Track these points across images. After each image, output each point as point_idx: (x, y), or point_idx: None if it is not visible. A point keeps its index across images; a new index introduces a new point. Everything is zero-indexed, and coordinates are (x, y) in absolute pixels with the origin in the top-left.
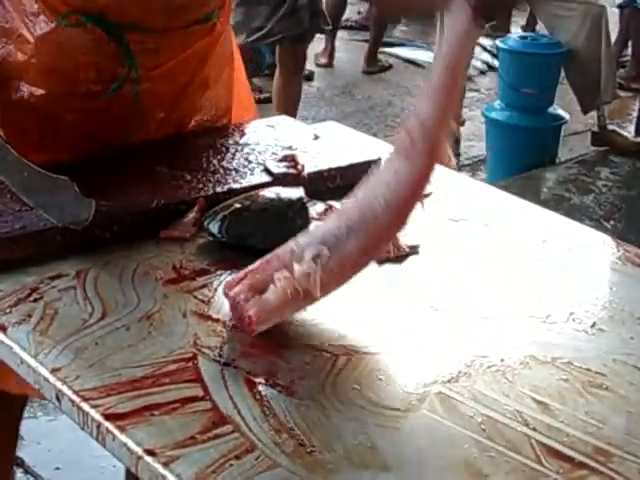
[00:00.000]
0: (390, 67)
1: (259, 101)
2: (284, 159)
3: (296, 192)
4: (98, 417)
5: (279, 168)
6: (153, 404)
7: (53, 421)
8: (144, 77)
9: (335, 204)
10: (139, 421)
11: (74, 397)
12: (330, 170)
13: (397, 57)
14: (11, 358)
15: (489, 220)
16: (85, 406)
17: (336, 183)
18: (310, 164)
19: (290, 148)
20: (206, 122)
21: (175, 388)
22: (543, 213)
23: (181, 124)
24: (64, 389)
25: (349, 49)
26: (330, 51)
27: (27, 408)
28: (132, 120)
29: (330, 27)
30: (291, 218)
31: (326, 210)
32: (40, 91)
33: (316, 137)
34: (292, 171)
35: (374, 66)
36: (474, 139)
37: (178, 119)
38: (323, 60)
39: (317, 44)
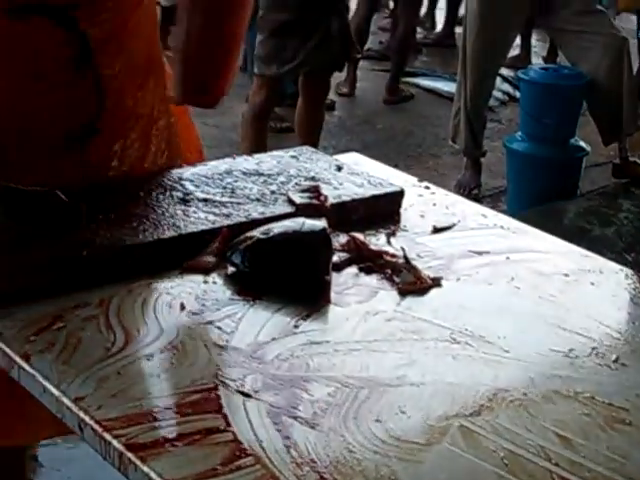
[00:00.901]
0: (411, 97)
1: (280, 130)
2: (307, 190)
3: (319, 223)
4: (120, 447)
5: (302, 199)
6: (175, 435)
7: (73, 448)
8: (102, 54)
9: (358, 235)
10: (161, 452)
11: (96, 427)
12: (353, 201)
13: (418, 87)
14: (34, 387)
15: (511, 252)
16: (107, 436)
17: (359, 214)
18: (333, 195)
19: (313, 179)
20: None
21: (197, 419)
22: (565, 246)
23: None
24: (86, 418)
25: (370, 79)
26: (352, 80)
27: None
28: (95, 102)
29: (360, 55)
30: (314, 249)
31: (349, 241)
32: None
33: (339, 168)
34: (315, 202)
35: (395, 96)
36: (495, 170)
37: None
38: (345, 89)
39: (338, 73)
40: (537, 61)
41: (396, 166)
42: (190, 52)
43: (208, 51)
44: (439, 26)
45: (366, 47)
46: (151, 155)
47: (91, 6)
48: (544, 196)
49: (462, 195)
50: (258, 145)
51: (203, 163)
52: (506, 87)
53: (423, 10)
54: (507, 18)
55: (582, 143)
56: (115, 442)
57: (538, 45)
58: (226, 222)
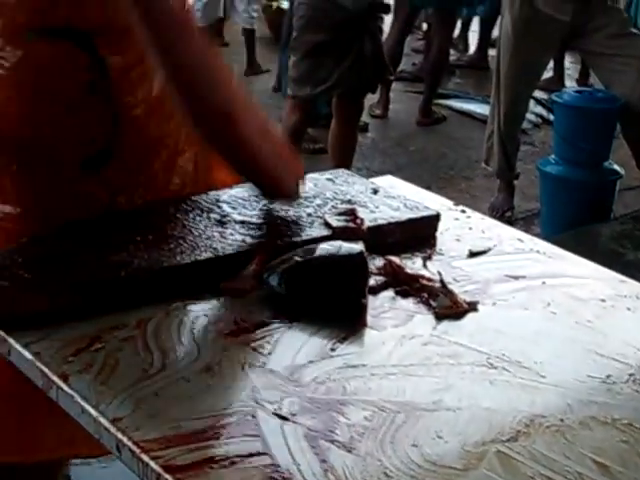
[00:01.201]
0: (444, 119)
1: (314, 151)
2: (344, 213)
3: (356, 246)
4: (158, 469)
5: (339, 222)
6: (212, 457)
7: (106, 468)
8: (121, 81)
9: (394, 259)
10: (198, 474)
11: (134, 448)
12: (389, 225)
13: (451, 109)
14: (72, 407)
15: (547, 277)
16: (145, 457)
17: (395, 238)
18: (369, 218)
19: (349, 202)
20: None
21: (235, 442)
22: (601, 271)
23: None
24: (124, 439)
25: (403, 100)
26: (385, 102)
27: None
28: (110, 128)
29: (393, 77)
30: (351, 272)
31: (385, 265)
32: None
33: (375, 191)
34: (351, 225)
35: (428, 118)
36: (528, 193)
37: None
38: (378, 111)
39: (371, 95)
40: (570, 83)
41: (429, 188)
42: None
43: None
44: (472, 48)
45: (399, 69)
46: (174, 186)
47: (111, 34)
48: (578, 219)
49: (495, 218)
50: None
51: (240, 185)
52: (539, 110)
53: (456, 32)
54: (541, 42)
55: (616, 166)
56: (153, 463)
57: (571, 67)
58: (263, 244)
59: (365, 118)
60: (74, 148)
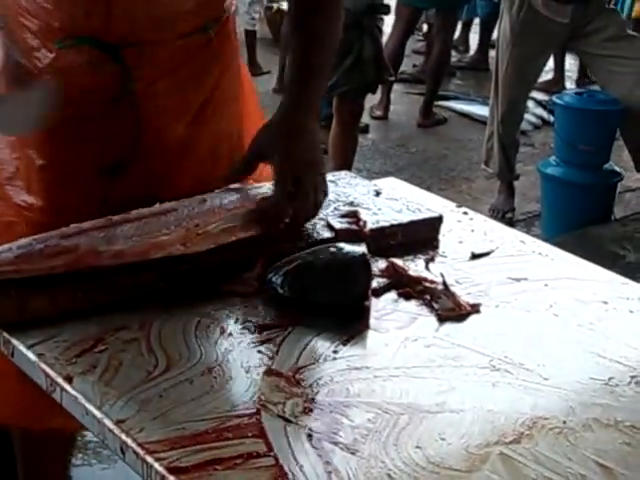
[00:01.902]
0: (445, 120)
1: None
2: (346, 215)
3: (359, 248)
4: (162, 470)
5: (341, 224)
6: (216, 459)
7: (107, 469)
8: (147, 91)
9: (397, 261)
10: (202, 475)
11: (138, 449)
12: (392, 227)
13: (452, 110)
14: (76, 409)
15: (550, 280)
16: (149, 459)
17: (397, 240)
18: (372, 220)
19: (352, 204)
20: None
21: (238, 443)
22: (603, 273)
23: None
24: (128, 441)
25: (404, 102)
26: (385, 104)
27: (81, 455)
28: (131, 137)
29: (393, 78)
30: (354, 274)
31: (388, 267)
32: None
33: (377, 193)
34: (354, 227)
35: (429, 119)
36: (528, 194)
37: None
38: (378, 112)
39: (372, 96)
40: (569, 85)
41: (429, 189)
42: None
43: None
44: (473, 49)
45: (400, 70)
46: (188, 187)
47: (139, 47)
48: (578, 221)
49: (495, 219)
50: None
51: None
52: (540, 111)
53: (457, 33)
54: (539, 43)
55: (616, 168)
56: (157, 465)
57: (571, 68)
58: (265, 246)
59: (366, 119)
60: (96, 152)
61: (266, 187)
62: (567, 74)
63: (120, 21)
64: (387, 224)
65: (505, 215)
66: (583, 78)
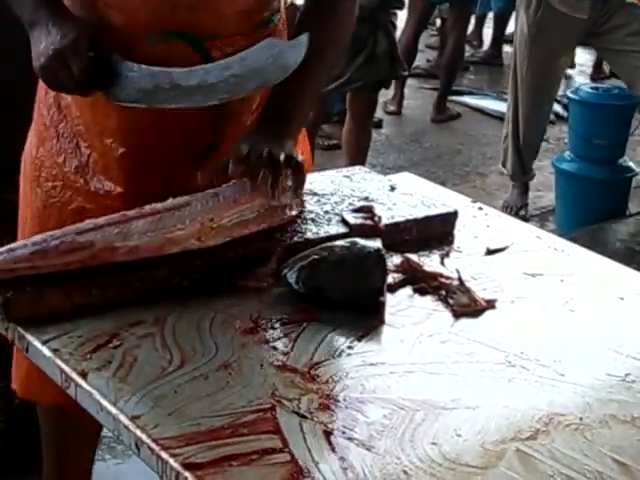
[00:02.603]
0: (459, 115)
1: (328, 147)
2: (361, 210)
3: (373, 243)
4: (177, 466)
5: (356, 219)
6: (232, 454)
7: (121, 464)
8: None
9: (412, 256)
10: (217, 471)
11: (153, 445)
12: (406, 222)
13: (466, 105)
14: (91, 404)
15: (565, 275)
16: (164, 455)
17: (412, 235)
18: (387, 216)
19: (367, 199)
20: None
21: (254, 439)
22: (620, 268)
23: None
24: (143, 437)
25: (418, 97)
26: (399, 99)
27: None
28: (215, 127)
29: (407, 73)
30: (369, 270)
31: (403, 262)
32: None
33: (392, 188)
34: (369, 222)
35: (443, 114)
36: (543, 189)
37: None
38: (392, 108)
39: (386, 91)
40: (584, 79)
41: (443, 184)
42: None
43: None
44: (486, 44)
45: (414, 65)
46: None
47: (222, 38)
48: (593, 216)
49: (509, 215)
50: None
51: None
52: (554, 106)
53: (470, 28)
54: (557, 41)
55: (631, 163)
56: (172, 461)
57: (586, 63)
58: (280, 242)
59: (379, 114)
60: (180, 140)
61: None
62: (581, 68)
63: (205, 14)
64: (402, 219)
65: (519, 211)
66: (598, 72)
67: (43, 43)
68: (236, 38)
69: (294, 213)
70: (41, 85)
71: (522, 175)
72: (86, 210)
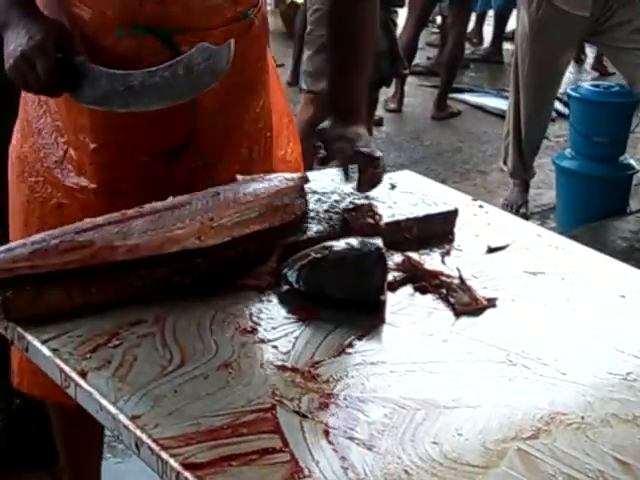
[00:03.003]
0: (459, 113)
1: None
2: (361, 209)
3: (374, 242)
4: (177, 466)
5: (356, 218)
6: (232, 454)
7: (121, 463)
8: None
9: (412, 255)
10: (217, 471)
11: (153, 445)
12: (407, 220)
13: (466, 103)
14: (90, 404)
15: (566, 273)
16: (164, 455)
17: (413, 233)
18: (387, 214)
19: (367, 197)
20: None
21: (254, 439)
22: (621, 267)
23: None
24: (143, 437)
25: (418, 94)
26: (399, 96)
27: None
28: (189, 122)
29: (408, 71)
30: (369, 268)
31: (403, 261)
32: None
33: (392, 187)
34: (369, 221)
35: (443, 112)
36: (543, 187)
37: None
38: (392, 105)
39: (386, 89)
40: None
41: (443, 182)
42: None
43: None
44: (487, 42)
45: (414, 63)
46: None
47: (192, 32)
48: (593, 214)
49: (510, 212)
50: (307, 161)
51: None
52: (555, 104)
53: (471, 26)
54: (559, 39)
55: (632, 161)
56: (172, 461)
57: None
58: (280, 240)
59: (380, 112)
60: (151, 136)
61: (276, 179)
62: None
63: (174, 8)
64: (403, 218)
65: (519, 209)
66: (599, 64)
67: (12, 45)
68: (207, 32)
69: (298, 213)
70: None
71: (523, 172)
72: (64, 206)
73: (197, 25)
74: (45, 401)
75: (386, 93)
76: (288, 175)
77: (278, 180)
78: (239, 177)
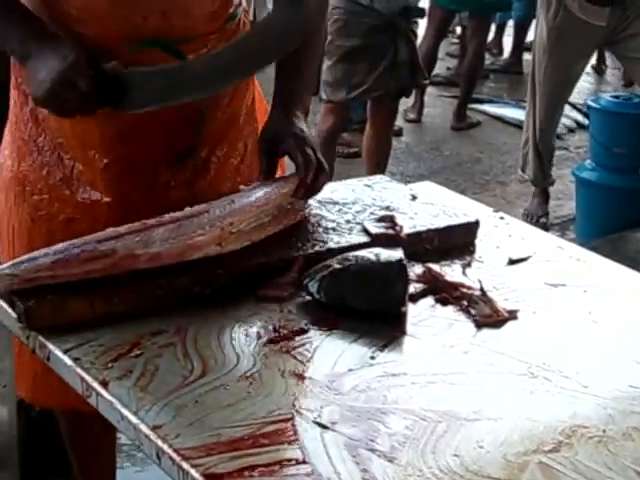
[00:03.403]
0: (478, 124)
1: (348, 155)
2: (382, 219)
3: (395, 253)
4: (198, 476)
5: (377, 228)
6: (252, 465)
7: (140, 472)
8: None
9: (433, 266)
10: None
11: (174, 455)
12: (428, 231)
13: (485, 114)
14: (111, 413)
15: (587, 285)
16: (185, 465)
17: (434, 245)
18: (408, 225)
19: (388, 208)
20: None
21: (275, 449)
22: None
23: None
24: (165, 447)
25: (438, 105)
26: (419, 107)
27: None
28: (197, 126)
29: (428, 82)
30: (390, 280)
31: (424, 272)
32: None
33: (413, 197)
34: (390, 232)
35: (462, 122)
36: (563, 198)
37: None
38: (412, 115)
39: (406, 99)
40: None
41: (463, 193)
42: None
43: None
44: (506, 52)
45: (434, 73)
46: (245, 169)
47: (195, 40)
48: (613, 225)
49: (530, 223)
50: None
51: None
52: (574, 114)
53: (490, 36)
54: (576, 47)
55: None
56: (193, 471)
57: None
58: (302, 251)
59: (399, 122)
60: (162, 145)
61: (276, 183)
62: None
63: (176, 19)
64: (424, 229)
65: (539, 220)
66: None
67: (42, 71)
68: (208, 38)
69: (306, 212)
70: (16, 100)
71: (542, 180)
72: (75, 220)
73: (199, 32)
74: (53, 410)
75: (406, 103)
76: (283, 178)
77: (278, 184)
78: (242, 187)
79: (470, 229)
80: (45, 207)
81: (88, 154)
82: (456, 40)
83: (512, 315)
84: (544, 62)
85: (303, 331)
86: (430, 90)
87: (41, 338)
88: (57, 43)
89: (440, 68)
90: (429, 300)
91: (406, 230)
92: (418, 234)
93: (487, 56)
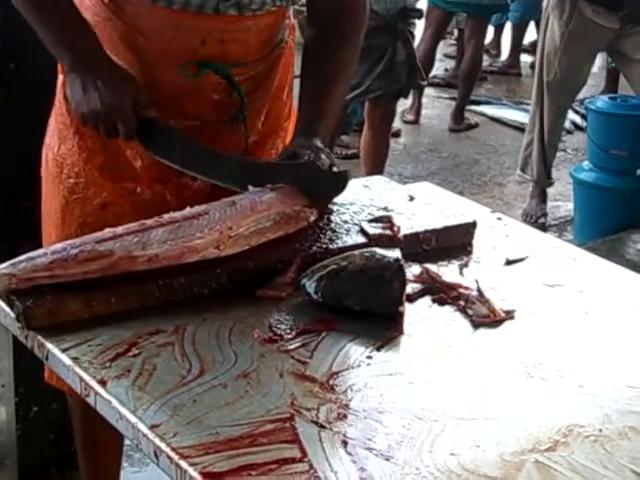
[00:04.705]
0: (476, 125)
1: (346, 157)
2: (380, 220)
3: (393, 254)
4: (196, 475)
5: (375, 229)
6: (250, 464)
7: (138, 473)
8: (249, 99)
9: (431, 266)
10: None
11: (172, 454)
12: (425, 232)
13: (483, 115)
14: (110, 413)
15: (584, 286)
16: (183, 464)
17: (431, 245)
18: (405, 226)
19: (386, 209)
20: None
21: (272, 449)
22: (638, 279)
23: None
24: (162, 446)
25: (435, 106)
26: (417, 108)
27: None
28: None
29: (426, 83)
30: (388, 280)
31: (422, 272)
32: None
33: (411, 198)
34: (388, 232)
35: (460, 124)
36: (561, 199)
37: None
38: (410, 117)
39: (404, 100)
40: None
41: (461, 194)
42: None
43: None
44: (504, 54)
45: (432, 74)
46: None
47: (245, 66)
48: (611, 226)
49: (529, 224)
50: None
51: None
52: (572, 116)
53: (488, 38)
54: (589, 49)
55: None
56: (191, 470)
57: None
58: (299, 251)
59: (397, 124)
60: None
61: (285, 189)
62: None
63: (233, 46)
64: (421, 229)
65: (538, 220)
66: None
67: (91, 92)
68: (257, 62)
69: (312, 219)
70: (61, 85)
71: (546, 180)
72: (109, 205)
73: (252, 58)
74: (67, 401)
75: (403, 104)
76: (290, 188)
77: (287, 190)
78: (251, 187)
79: (467, 230)
80: (80, 191)
81: (126, 186)
82: (454, 41)
83: (509, 315)
84: (555, 64)
85: (301, 331)
86: (428, 91)
87: (39, 337)
88: (111, 72)
89: (438, 69)
90: (426, 300)
91: (404, 231)
92: (416, 235)
93: (485, 57)
